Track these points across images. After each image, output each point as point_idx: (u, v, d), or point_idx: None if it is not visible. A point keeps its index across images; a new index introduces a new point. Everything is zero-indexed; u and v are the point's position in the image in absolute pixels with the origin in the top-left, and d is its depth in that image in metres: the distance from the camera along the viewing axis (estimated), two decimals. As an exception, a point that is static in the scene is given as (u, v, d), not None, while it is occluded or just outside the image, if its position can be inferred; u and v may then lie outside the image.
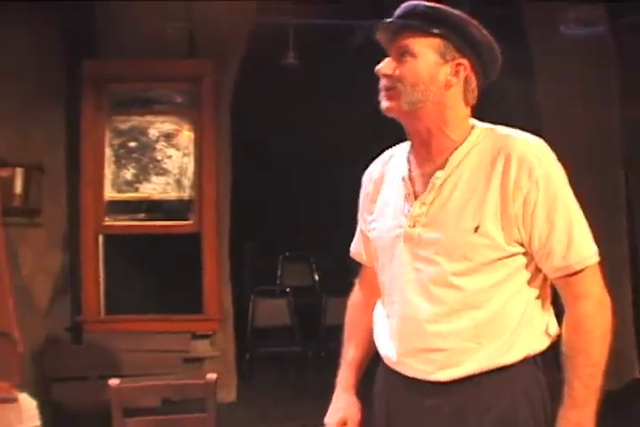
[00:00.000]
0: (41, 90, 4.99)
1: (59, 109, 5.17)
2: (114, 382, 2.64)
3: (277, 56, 5.80)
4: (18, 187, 4.70)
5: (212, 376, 2.69)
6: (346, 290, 2.10)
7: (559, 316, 1.74)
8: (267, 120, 6.99)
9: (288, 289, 6.79)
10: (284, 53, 5.78)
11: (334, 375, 2.01)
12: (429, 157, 1.76)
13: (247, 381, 5.70)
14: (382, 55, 1.76)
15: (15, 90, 4.80)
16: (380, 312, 1.91)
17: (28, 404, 3.11)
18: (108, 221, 5.20)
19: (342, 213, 2.35)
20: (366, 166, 1.97)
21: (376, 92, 1.76)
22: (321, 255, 7.50)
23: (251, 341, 6.15)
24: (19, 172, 4.73)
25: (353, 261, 2.07)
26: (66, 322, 5.11)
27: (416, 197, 1.75)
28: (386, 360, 1.84)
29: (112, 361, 4.77)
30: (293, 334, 6.26)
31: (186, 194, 5.23)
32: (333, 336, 2.21)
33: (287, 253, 7.81)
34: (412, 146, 1.81)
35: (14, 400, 3.08)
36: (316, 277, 7.71)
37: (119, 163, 5.25)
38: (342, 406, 1.93)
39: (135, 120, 5.29)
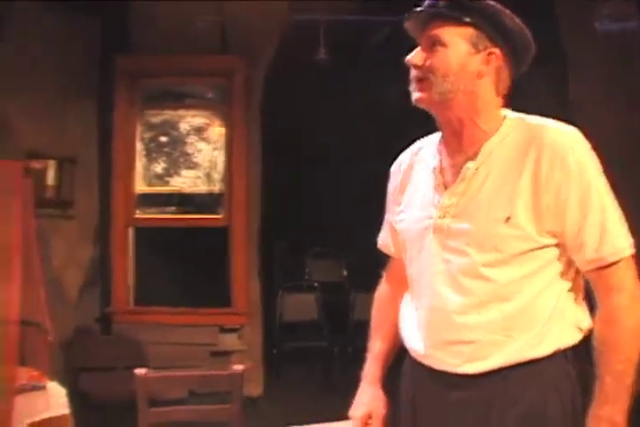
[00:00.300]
0: (75, 85, 5.04)
1: (92, 104, 5.22)
2: (140, 371, 2.65)
3: (308, 52, 5.79)
4: (51, 179, 4.76)
5: (238, 368, 2.69)
6: (374, 286, 2.09)
7: (592, 310, 1.71)
8: (297, 116, 6.99)
9: (316, 284, 6.79)
10: (315, 50, 5.78)
11: (361, 371, 2.00)
12: (460, 148, 1.74)
13: (274, 375, 5.71)
14: (411, 49, 1.74)
15: (50, 85, 4.86)
16: (407, 305, 1.89)
17: (57, 392, 3.15)
18: (138, 214, 5.24)
19: (371, 209, 2.33)
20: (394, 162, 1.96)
21: (406, 86, 1.75)
22: (350, 252, 7.49)
23: (278, 335, 6.16)
24: (52, 164, 4.79)
25: (381, 257, 2.05)
26: (95, 313, 5.16)
27: (446, 188, 1.74)
28: (412, 353, 1.83)
29: (140, 353, 4.80)
30: (321, 329, 6.26)
31: (216, 188, 5.25)
32: (361, 332, 2.20)
33: (316, 250, 7.81)
34: (442, 137, 1.79)
35: (43, 388, 3.12)
36: (345, 273, 7.71)
37: (150, 156, 5.29)
38: (367, 400, 1.92)
39: (167, 114, 5.32)
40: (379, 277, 2.08)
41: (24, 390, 3.09)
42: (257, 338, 5.26)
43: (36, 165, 4.47)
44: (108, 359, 4.77)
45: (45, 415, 3.11)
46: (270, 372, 5.52)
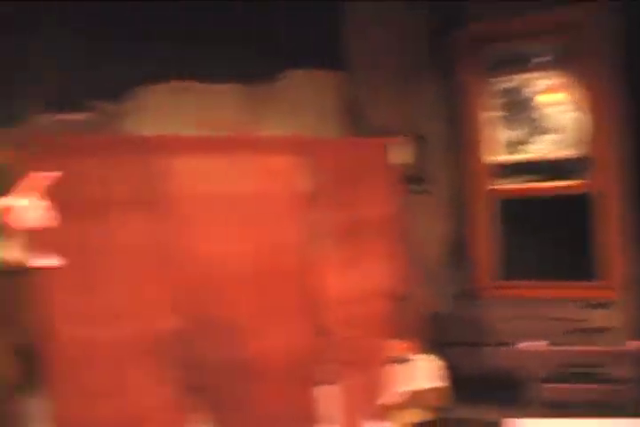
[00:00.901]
0: (419, 60, 5.09)
1: (434, 77, 5.22)
2: (521, 345, 2.54)
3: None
4: (409, 155, 4.89)
5: (630, 344, 2.44)
6: None
7: None
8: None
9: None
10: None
11: None
12: None
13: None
14: None
15: (397, 63, 4.97)
16: None
17: (432, 364, 3.16)
18: (495, 185, 5.12)
19: None
20: None
21: None
22: None
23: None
24: (408, 140, 4.90)
25: None
26: (457, 288, 5.15)
27: None
28: None
29: (504, 328, 4.73)
30: None
31: (577, 152, 4.93)
32: None
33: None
34: None
35: (408, 361, 3.17)
36: None
37: (502, 124, 5.15)
38: None
39: (515, 79, 5.14)
40: None
41: (396, 361, 3.18)
42: (631, 314, 4.84)
43: (396, 141, 4.59)
44: (471, 335, 4.76)
45: (418, 386, 3.16)
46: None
